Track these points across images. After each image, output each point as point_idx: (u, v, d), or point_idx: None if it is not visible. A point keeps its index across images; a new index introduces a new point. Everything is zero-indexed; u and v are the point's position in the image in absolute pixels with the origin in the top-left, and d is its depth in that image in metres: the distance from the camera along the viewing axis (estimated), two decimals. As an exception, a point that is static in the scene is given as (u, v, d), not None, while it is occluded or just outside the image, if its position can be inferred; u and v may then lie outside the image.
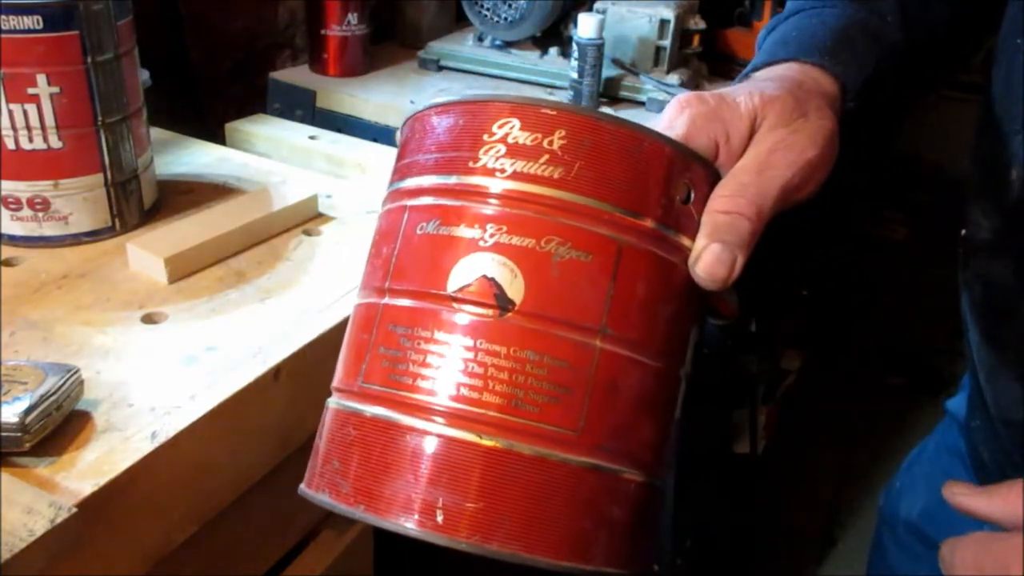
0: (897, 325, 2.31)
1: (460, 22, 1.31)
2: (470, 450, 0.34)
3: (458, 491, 0.33)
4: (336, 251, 0.68)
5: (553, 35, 1.20)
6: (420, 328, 0.35)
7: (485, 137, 0.36)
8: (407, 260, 0.36)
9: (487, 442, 0.34)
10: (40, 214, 0.64)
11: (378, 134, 1.05)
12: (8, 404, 0.43)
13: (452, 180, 0.36)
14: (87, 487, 0.43)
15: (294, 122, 1.01)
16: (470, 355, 0.34)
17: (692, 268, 0.37)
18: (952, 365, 2.12)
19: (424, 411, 0.34)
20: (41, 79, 0.60)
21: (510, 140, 0.35)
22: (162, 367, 0.52)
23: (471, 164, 0.36)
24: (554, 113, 0.36)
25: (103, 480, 0.43)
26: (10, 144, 0.61)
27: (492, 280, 0.34)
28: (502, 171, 0.35)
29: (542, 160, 0.35)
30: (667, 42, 1.14)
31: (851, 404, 2.02)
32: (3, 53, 0.58)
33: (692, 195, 0.37)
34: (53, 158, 0.62)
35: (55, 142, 0.62)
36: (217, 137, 0.91)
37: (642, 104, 1.13)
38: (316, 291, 0.62)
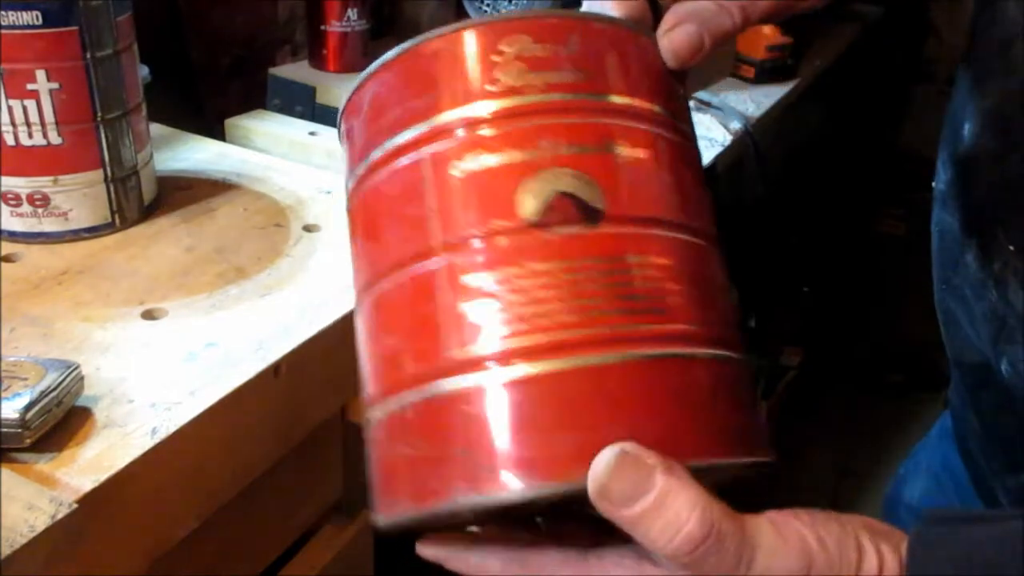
0: (897, 322, 2.31)
1: (460, 18, 1.31)
2: (630, 370, 0.30)
3: (637, 418, 0.30)
4: (336, 247, 0.68)
5: (553, 31, 1.20)
6: (505, 266, 0.31)
7: (494, 58, 0.33)
8: (454, 206, 0.32)
9: (640, 356, 0.31)
10: (40, 210, 0.64)
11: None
12: (8, 400, 0.43)
13: (474, 109, 0.33)
14: (87, 483, 0.43)
15: (294, 118, 1.01)
16: (578, 275, 0.31)
17: (660, 38, 0.37)
18: (952, 362, 2.12)
19: (560, 348, 0.30)
20: (40, 75, 0.60)
21: (526, 55, 0.33)
22: (162, 363, 0.52)
23: (490, 87, 0.33)
24: (559, 21, 0.34)
25: (103, 476, 0.43)
26: (9, 140, 0.61)
27: (570, 194, 0.32)
28: (531, 86, 0.33)
29: (567, 67, 0.33)
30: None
31: (850, 400, 2.02)
32: (3, 49, 0.58)
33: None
34: (53, 154, 0.62)
35: (55, 138, 0.62)
36: (217, 133, 0.91)
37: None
38: (316, 287, 0.62)
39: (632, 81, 0.35)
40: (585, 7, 0.39)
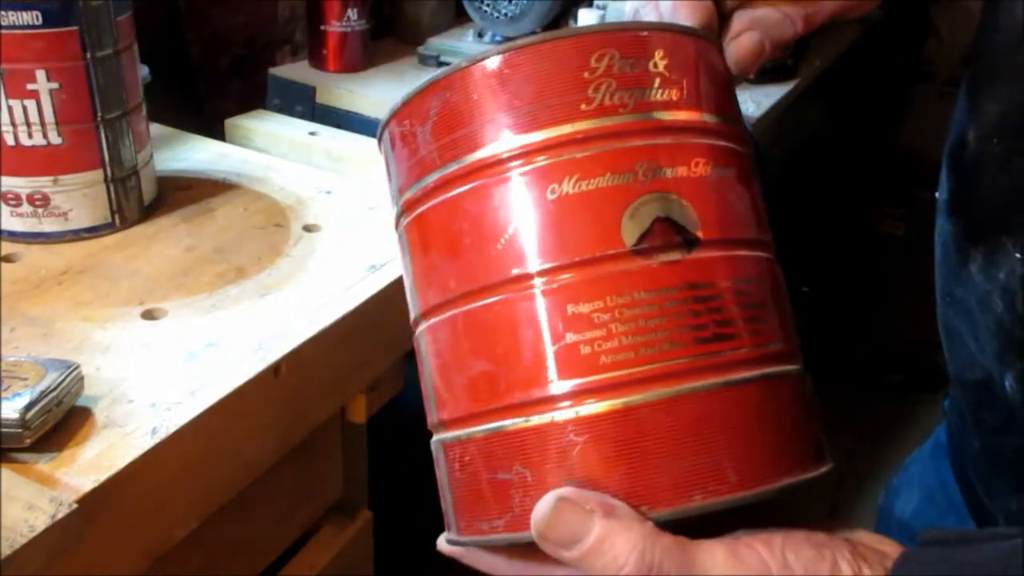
0: (897, 322, 2.31)
1: (460, 18, 1.31)
2: (732, 396, 0.31)
3: (736, 442, 0.31)
4: (336, 247, 0.68)
5: (553, 31, 1.20)
6: (613, 295, 0.31)
7: (585, 75, 0.32)
8: (552, 231, 0.32)
9: (742, 380, 0.31)
10: (40, 210, 0.64)
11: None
12: (8, 400, 0.43)
13: (568, 129, 0.32)
14: (87, 483, 0.43)
15: (294, 118, 1.01)
16: (680, 302, 0.31)
17: (725, 45, 0.37)
18: (951, 362, 2.12)
19: (668, 378, 0.30)
20: (40, 75, 0.60)
21: (616, 71, 0.32)
22: (162, 363, 0.52)
23: (584, 107, 0.32)
24: (647, 34, 0.33)
25: (104, 476, 0.43)
26: (9, 140, 0.61)
27: (668, 220, 0.31)
28: (624, 105, 0.32)
29: (656, 85, 0.33)
30: (667, 38, 1.13)
31: (850, 400, 2.02)
32: (3, 49, 0.58)
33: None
34: (53, 154, 0.62)
35: (55, 138, 0.62)
36: (217, 133, 0.91)
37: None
38: (316, 287, 0.62)
39: (714, 96, 0.35)
40: (643, 12, 0.39)
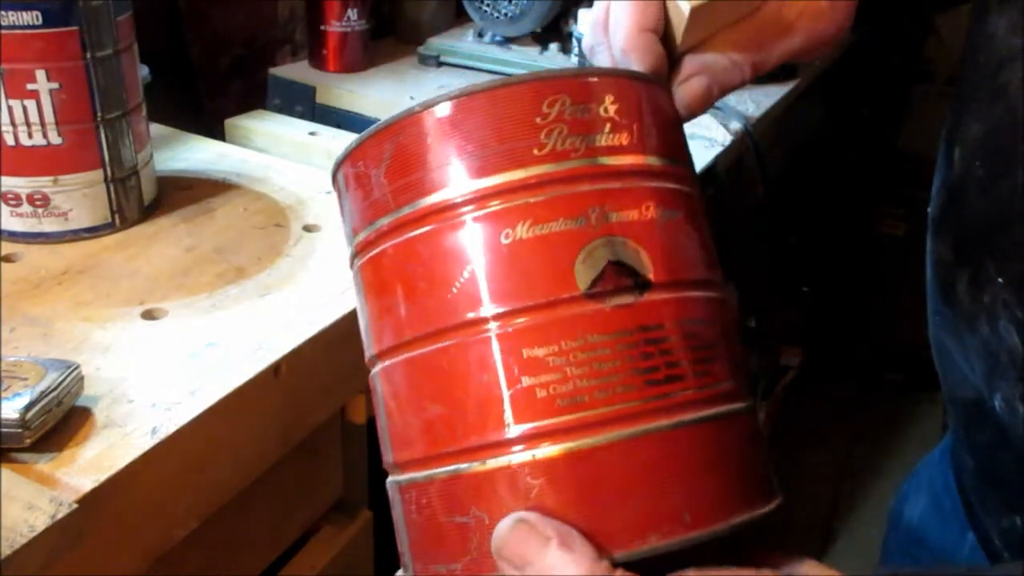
0: (897, 322, 2.31)
1: (460, 18, 1.31)
2: (684, 437, 0.31)
3: (689, 482, 0.31)
4: (336, 247, 0.68)
5: (553, 31, 1.20)
6: (567, 339, 0.31)
7: (538, 120, 0.33)
8: (507, 275, 0.32)
9: (693, 420, 0.32)
10: (40, 210, 0.64)
11: (378, 130, 1.05)
12: (8, 400, 0.43)
13: (522, 174, 0.32)
14: (87, 483, 0.43)
15: (294, 118, 1.01)
16: (632, 345, 0.31)
17: (674, 88, 0.38)
18: (951, 362, 2.12)
19: (622, 421, 0.31)
20: (40, 75, 0.60)
21: (567, 116, 0.33)
22: (162, 363, 0.52)
23: (537, 152, 0.32)
24: (597, 80, 0.34)
25: (103, 476, 0.43)
26: (9, 140, 0.61)
27: (620, 263, 0.32)
28: (576, 150, 0.33)
29: (607, 130, 0.33)
30: (667, 38, 1.13)
31: (850, 400, 2.02)
32: (3, 49, 0.58)
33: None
34: (52, 154, 0.62)
35: (54, 138, 0.62)
36: (217, 133, 0.91)
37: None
38: (316, 287, 0.62)
39: (662, 139, 0.35)
40: (598, 52, 0.40)
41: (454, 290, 0.32)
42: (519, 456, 0.31)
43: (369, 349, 0.36)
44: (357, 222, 0.36)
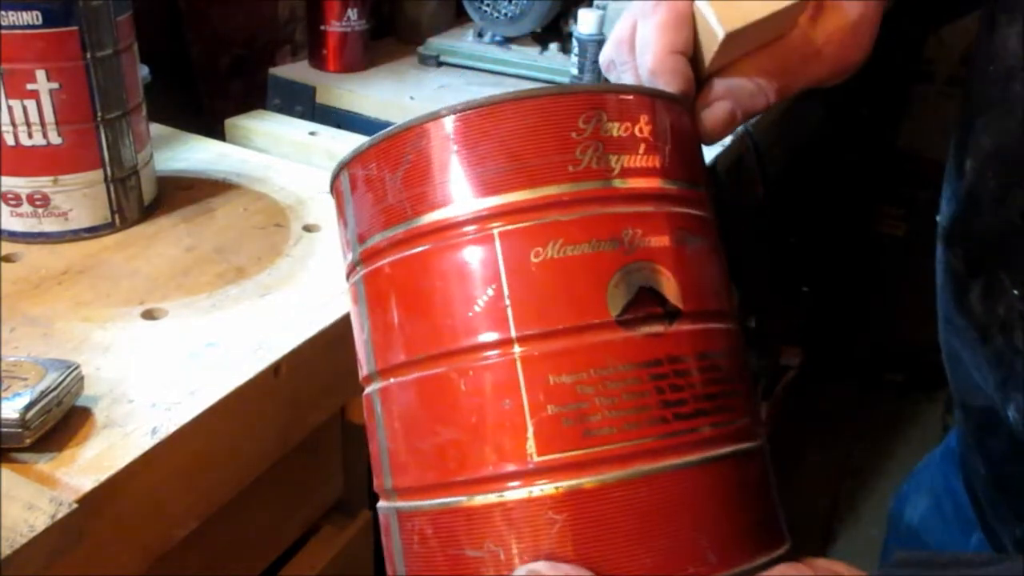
0: (897, 322, 2.31)
1: (460, 18, 1.31)
2: (712, 473, 0.30)
3: (719, 521, 0.30)
4: (336, 247, 0.68)
5: (553, 31, 1.20)
6: (597, 367, 0.29)
7: (573, 135, 0.31)
8: (535, 296, 0.30)
9: (720, 456, 0.30)
10: (40, 210, 0.64)
11: (378, 130, 1.05)
12: (8, 400, 0.43)
13: (555, 191, 0.30)
14: (87, 483, 0.43)
15: (294, 118, 1.01)
16: (661, 376, 0.30)
17: (697, 111, 0.37)
18: (951, 362, 2.12)
19: (652, 455, 0.29)
20: (40, 75, 0.60)
21: (603, 134, 0.31)
22: (162, 363, 0.52)
23: (572, 168, 0.31)
24: (633, 98, 0.33)
25: (103, 476, 0.43)
26: (9, 140, 0.61)
27: (651, 290, 0.30)
28: (611, 169, 0.31)
29: (641, 151, 0.32)
30: (667, 38, 1.13)
31: (850, 400, 2.02)
32: (3, 49, 0.58)
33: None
34: (53, 154, 0.62)
35: (55, 138, 0.62)
36: (217, 133, 0.91)
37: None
38: (316, 287, 0.62)
39: (691, 164, 0.34)
40: (622, 71, 0.39)
41: (476, 308, 0.31)
42: (542, 488, 0.29)
43: (368, 365, 0.34)
44: (365, 228, 0.34)
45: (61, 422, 0.46)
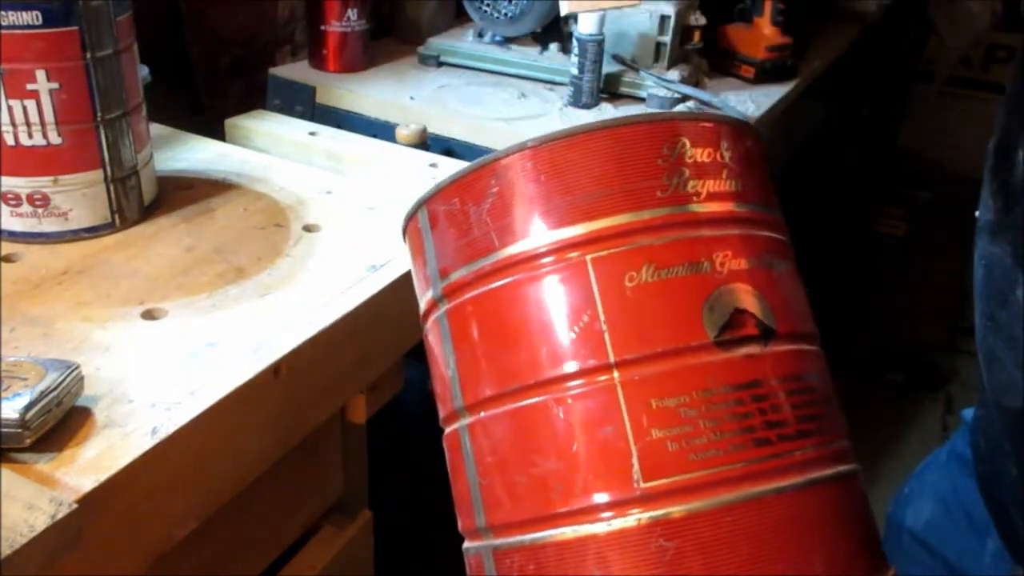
0: (896, 321, 2.31)
1: (460, 18, 1.31)
2: (820, 495, 0.30)
3: (831, 543, 0.30)
4: (336, 247, 0.68)
5: (553, 31, 1.20)
6: (699, 389, 0.29)
7: (659, 162, 0.31)
8: (632, 320, 0.30)
9: (826, 478, 0.30)
10: (40, 210, 0.64)
11: (378, 130, 1.05)
12: (8, 400, 0.43)
13: (646, 215, 0.31)
14: (87, 483, 0.43)
15: (294, 118, 1.01)
16: (763, 397, 0.30)
17: None
18: (951, 362, 2.12)
19: (759, 477, 0.29)
20: (40, 75, 0.60)
21: (688, 159, 0.32)
22: (162, 363, 0.52)
23: (660, 194, 0.31)
24: (713, 125, 0.33)
25: (103, 476, 0.43)
26: (9, 140, 0.61)
27: (746, 312, 0.30)
28: (697, 194, 0.31)
29: (724, 175, 0.32)
30: (668, 38, 1.14)
31: (850, 400, 2.02)
32: (3, 49, 0.58)
33: None
34: (52, 154, 0.62)
35: (54, 138, 0.62)
36: (217, 133, 0.91)
37: (642, 100, 1.13)
38: (316, 287, 0.62)
39: (767, 189, 0.35)
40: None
41: (571, 335, 0.30)
42: (651, 515, 0.29)
43: (455, 401, 0.34)
44: (447, 263, 0.34)
45: (61, 422, 0.46)
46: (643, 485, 0.29)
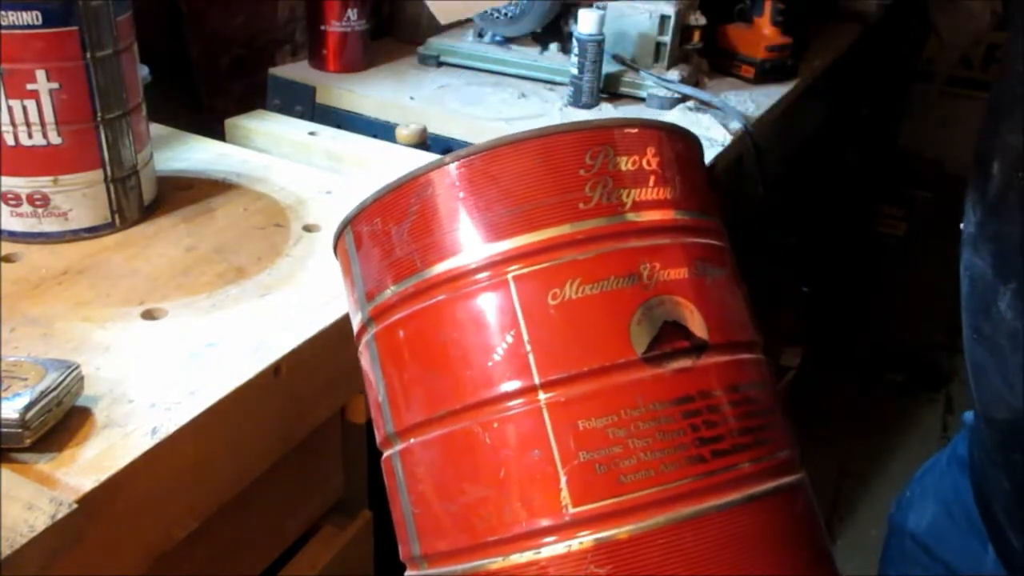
0: (896, 321, 2.31)
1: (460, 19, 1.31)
2: (759, 510, 0.29)
3: (771, 560, 0.29)
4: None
5: (553, 31, 1.20)
6: (627, 408, 0.28)
7: (581, 172, 0.30)
8: (556, 339, 0.29)
9: (765, 492, 0.29)
10: (40, 210, 0.64)
11: (378, 130, 1.05)
12: (8, 400, 0.43)
13: (569, 229, 0.30)
14: (87, 483, 0.43)
15: (294, 118, 1.01)
16: (695, 413, 0.29)
17: None
18: (951, 361, 2.12)
19: (692, 496, 0.28)
20: (40, 75, 0.60)
21: (611, 169, 0.30)
22: (162, 363, 0.52)
23: (583, 206, 0.30)
24: (638, 131, 0.32)
25: (103, 476, 0.43)
26: (10, 140, 0.61)
27: (676, 324, 0.29)
28: (622, 204, 0.30)
29: (651, 183, 0.31)
30: (667, 38, 1.14)
31: (850, 400, 2.02)
32: (3, 49, 0.58)
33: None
34: (52, 154, 0.62)
35: (54, 138, 0.62)
36: (217, 133, 0.91)
37: (642, 100, 1.13)
38: (316, 287, 0.62)
39: (701, 194, 0.34)
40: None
41: (495, 357, 0.30)
42: (581, 541, 0.28)
43: (387, 426, 0.33)
44: (372, 285, 0.33)
45: (61, 422, 0.46)
46: (572, 510, 0.28)
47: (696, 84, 1.18)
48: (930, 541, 0.69)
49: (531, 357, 0.29)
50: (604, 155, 0.31)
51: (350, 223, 0.35)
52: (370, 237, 0.33)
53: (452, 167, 0.31)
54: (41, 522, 0.39)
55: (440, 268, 0.31)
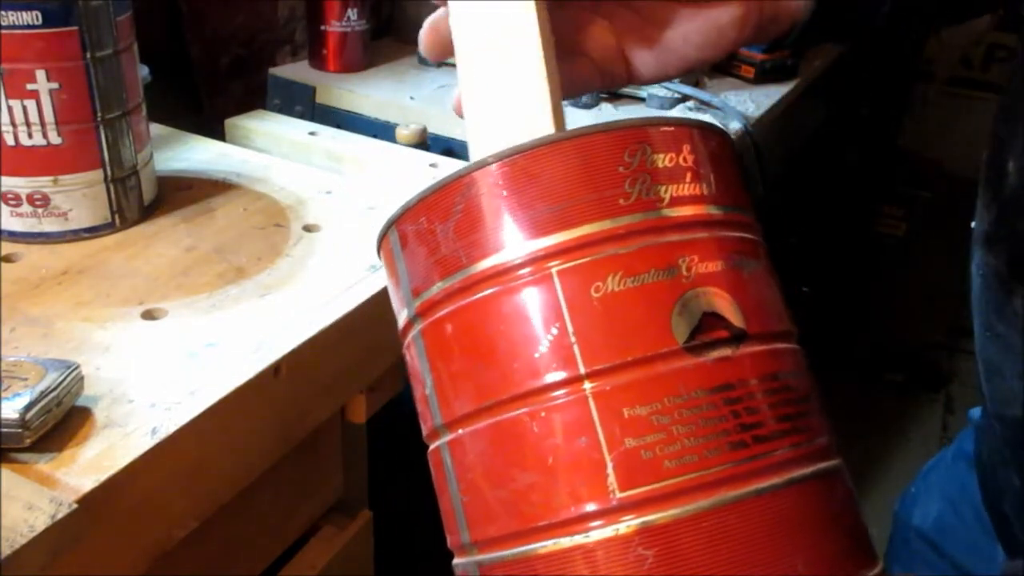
0: (896, 321, 2.31)
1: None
2: (799, 495, 0.30)
3: (815, 544, 0.30)
4: (336, 247, 0.68)
5: (553, 31, 1.20)
6: (670, 396, 0.29)
7: (620, 169, 0.31)
8: (600, 331, 0.30)
9: (804, 477, 0.30)
10: (40, 210, 0.64)
11: (378, 130, 1.05)
12: (8, 400, 0.43)
13: (610, 224, 0.31)
14: (87, 483, 0.43)
15: (294, 118, 1.01)
16: (737, 400, 0.30)
17: None
18: (950, 361, 2.12)
19: (734, 481, 0.29)
20: (40, 75, 0.60)
21: (650, 165, 0.32)
22: (162, 363, 0.52)
23: (623, 201, 0.31)
24: (674, 129, 0.33)
25: (103, 476, 0.43)
26: (9, 140, 0.61)
27: (716, 315, 0.31)
28: (661, 199, 0.31)
29: (688, 179, 0.32)
30: (667, 38, 1.13)
31: (850, 400, 2.02)
32: (3, 49, 0.58)
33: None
34: (52, 154, 0.62)
35: (54, 138, 0.62)
36: (217, 133, 0.91)
37: (642, 100, 1.13)
38: (316, 287, 0.62)
39: (736, 189, 0.35)
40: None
41: (542, 349, 0.30)
42: (628, 525, 0.29)
43: (435, 419, 0.34)
44: (419, 281, 0.34)
45: (61, 422, 0.46)
46: (619, 495, 0.29)
47: (696, 84, 1.18)
48: (936, 537, 0.69)
49: (576, 348, 0.30)
50: (642, 153, 0.32)
51: (395, 223, 0.35)
52: (415, 236, 0.34)
53: (494, 167, 0.32)
54: (41, 522, 0.39)
55: (485, 264, 0.32)
